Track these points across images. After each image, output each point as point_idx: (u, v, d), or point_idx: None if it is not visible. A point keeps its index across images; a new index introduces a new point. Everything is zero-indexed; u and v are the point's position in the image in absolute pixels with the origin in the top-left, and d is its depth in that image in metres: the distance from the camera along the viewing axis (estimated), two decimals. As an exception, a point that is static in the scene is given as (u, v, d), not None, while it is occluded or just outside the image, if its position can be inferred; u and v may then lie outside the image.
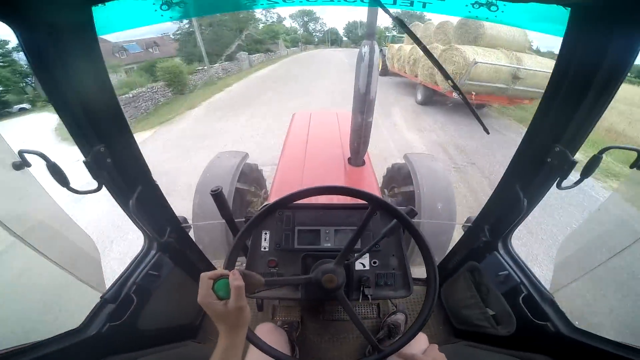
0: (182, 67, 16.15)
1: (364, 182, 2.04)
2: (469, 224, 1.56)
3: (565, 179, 0.98)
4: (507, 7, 1.03)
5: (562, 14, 0.85)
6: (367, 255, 1.23)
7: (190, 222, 1.63)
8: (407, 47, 12.24)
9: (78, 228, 1.18)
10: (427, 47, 1.09)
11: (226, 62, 21.93)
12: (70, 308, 1.12)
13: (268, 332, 1.24)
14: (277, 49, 38.52)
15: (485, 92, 7.99)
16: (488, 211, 1.42)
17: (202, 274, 0.69)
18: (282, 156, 2.41)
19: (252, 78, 18.96)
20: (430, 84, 9.73)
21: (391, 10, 1.07)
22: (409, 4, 1.29)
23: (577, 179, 0.97)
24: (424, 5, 1.27)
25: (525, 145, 1.10)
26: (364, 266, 1.22)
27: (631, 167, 0.87)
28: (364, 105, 1.81)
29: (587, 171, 0.93)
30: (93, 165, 0.97)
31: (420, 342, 1.13)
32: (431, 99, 10.12)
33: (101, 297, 1.15)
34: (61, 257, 1.04)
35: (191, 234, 1.73)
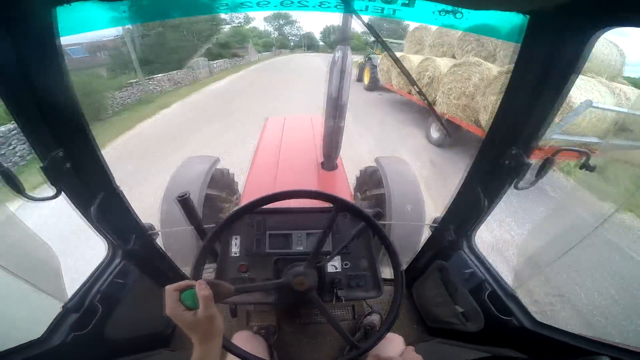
0: (100, 81, 12.02)
1: (335, 186, 2.05)
2: (436, 224, 1.61)
3: (522, 180, 1.04)
4: (470, 14, 1.09)
5: (521, 21, 0.91)
6: (339, 257, 1.25)
7: (158, 228, 1.58)
8: (416, 57, 8.32)
9: (34, 235, 1.12)
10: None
11: (178, 71, 17.51)
12: (31, 318, 1.08)
13: (245, 340, 1.21)
14: (247, 54, 34.59)
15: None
16: (452, 211, 1.48)
17: (167, 287, 0.68)
18: (254, 161, 2.38)
19: (206, 92, 14.77)
20: (460, 120, 6.12)
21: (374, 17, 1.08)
22: (380, 11, 1.33)
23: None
24: (393, 12, 1.32)
25: (483, 148, 1.17)
26: (336, 268, 1.24)
27: (580, 168, 0.94)
28: (336, 110, 1.82)
29: (541, 172, 0.99)
30: (51, 171, 0.92)
31: (396, 345, 1.14)
32: (451, 139, 6.51)
33: (63, 307, 1.10)
34: (17, 266, 0.99)
35: (159, 241, 1.69)
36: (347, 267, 1.24)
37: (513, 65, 0.97)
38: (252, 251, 1.22)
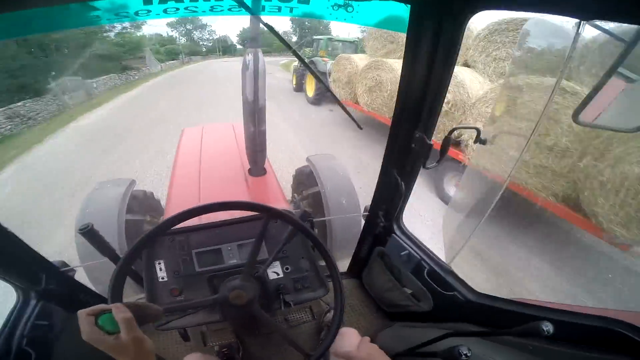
0: None
1: (266, 191, 2.00)
2: (367, 213, 1.66)
3: (427, 159, 1.11)
4: (360, 8, 1.13)
5: (404, 10, 0.96)
6: (279, 263, 1.22)
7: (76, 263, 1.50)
8: (361, 60, 6.66)
9: None
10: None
11: (32, 100, 11.16)
12: None
13: None
14: (144, 65, 27.39)
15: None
16: (378, 198, 1.53)
17: (79, 311, 0.64)
18: (173, 176, 2.20)
19: (68, 134, 8.45)
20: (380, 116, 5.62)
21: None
22: (277, 10, 1.30)
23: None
24: (291, 10, 1.30)
25: (392, 134, 1.22)
26: (278, 274, 1.20)
27: (474, 142, 1.05)
28: (254, 114, 1.77)
29: (443, 151, 1.07)
30: None
31: (351, 338, 1.13)
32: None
33: None
34: None
35: (83, 276, 1.63)
36: (288, 271, 1.22)
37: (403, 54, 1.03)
38: (180, 273, 1.14)
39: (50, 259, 1.33)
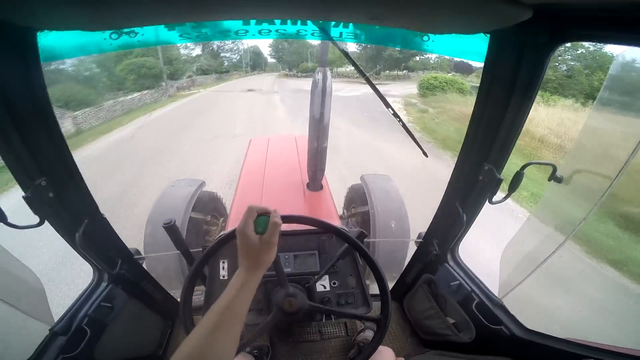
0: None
1: (321, 207, 2.06)
2: (420, 240, 1.63)
3: (495, 194, 1.08)
4: (437, 38, 1.15)
5: (483, 41, 0.96)
6: (327, 277, 1.28)
7: (143, 253, 1.60)
8: None
9: (16, 260, 1.10)
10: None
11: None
12: (18, 342, 1.06)
13: None
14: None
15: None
16: (434, 226, 1.51)
17: (250, 205, 0.71)
18: (239, 183, 2.37)
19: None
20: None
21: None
22: (353, 37, 1.39)
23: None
24: (365, 37, 1.38)
25: (459, 165, 1.21)
26: (325, 287, 1.26)
27: (549, 180, 0.99)
28: (318, 131, 1.86)
29: (512, 187, 1.03)
30: (34, 201, 0.92)
31: (387, 357, 1.15)
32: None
33: (50, 330, 1.09)
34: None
35: (144, 264, 1.71)
36: (335, 285, 1.26)
37: (479, 83, 1.03)
38: None
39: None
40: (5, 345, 1.03)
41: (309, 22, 1.18)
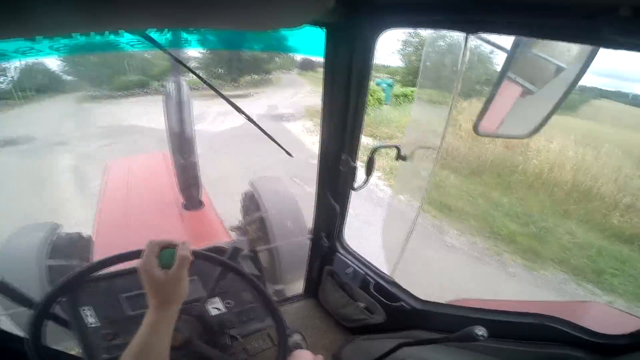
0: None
1: (202, 226, 1.90)
2: (310, 235, 1.65)
3: (354, 181, 1.14)
4: (275, 34, 1.13)
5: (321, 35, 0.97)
6: (218, 299, 1.18)
7: None
8: None
9: None
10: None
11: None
12: None
13: None
14: None
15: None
16: (318, 219, 1.54)
17: (151, 241, 0.67)
18: (99, 215, 2.02)
19: None
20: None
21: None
22: (185, 42, 1.27)
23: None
24: (202, 42, 1.28)
25: (321, 157, 1.23)
26: (220, 310, 1.16)
27: (396, 159, 1.09)
28: (182, 144, 1.69)
29: (368, 171, 1.10)
30: None
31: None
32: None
33: None
34: None
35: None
36: (230, 305, 1.18)
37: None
38: (111, 318, 1.07)
39: None
40: None
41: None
